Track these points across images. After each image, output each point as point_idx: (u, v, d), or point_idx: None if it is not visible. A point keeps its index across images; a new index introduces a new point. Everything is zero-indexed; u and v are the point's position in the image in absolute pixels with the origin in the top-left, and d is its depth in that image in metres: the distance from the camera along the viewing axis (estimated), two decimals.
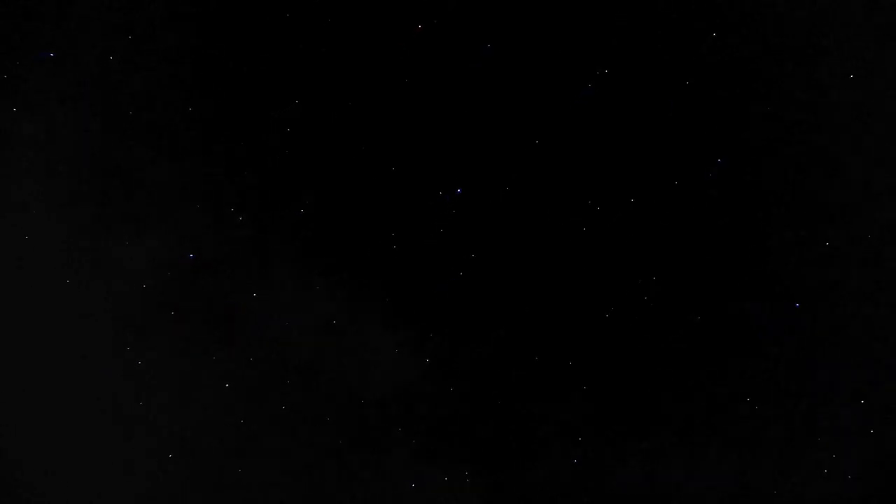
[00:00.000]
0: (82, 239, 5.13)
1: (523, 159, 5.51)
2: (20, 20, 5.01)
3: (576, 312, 5.58)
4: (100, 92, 5.18)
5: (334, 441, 5.35)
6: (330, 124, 5.39)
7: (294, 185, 5.38)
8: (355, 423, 5.39)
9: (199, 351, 5.27)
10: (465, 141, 5.48)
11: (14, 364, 5.02)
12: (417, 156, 5.48)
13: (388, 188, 5.45)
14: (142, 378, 5.20)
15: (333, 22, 5.25)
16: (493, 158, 5.48)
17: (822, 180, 5.19)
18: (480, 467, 5.47)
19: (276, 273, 5.37)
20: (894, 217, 5.13)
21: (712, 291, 5.42)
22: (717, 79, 5.20)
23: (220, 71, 5.29)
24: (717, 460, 5.34)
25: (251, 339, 5.33)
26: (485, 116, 5.46)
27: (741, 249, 5.36)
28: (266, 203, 5.35)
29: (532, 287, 5.57)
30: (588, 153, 5.45)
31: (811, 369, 5.28)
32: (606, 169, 5.46)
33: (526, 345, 5.57)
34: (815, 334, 5.29)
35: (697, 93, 5.23)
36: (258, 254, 5.35)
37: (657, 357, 5.50)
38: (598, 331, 5.55)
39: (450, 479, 5.43)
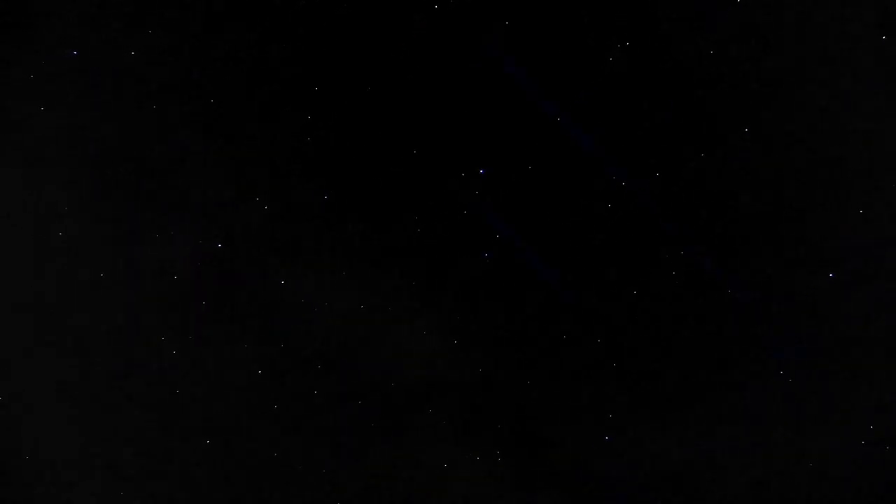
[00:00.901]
0: (112, 234, 5.22)
1: (546, 135, 5.48)
2: (42, 18, 5.09)
3: (604, 290, 5.56)
4: (122, 86, 5.25)
5: (366, 425, 5.40)
6: (350, 109, 5.41)
7: (317, 172, 5.42)
8: (386, 407, 5.44)
9: (231, 340, 5.35)
10: (486, 120, 5.47)
11: (50, 361, 5.15)
12: (439, 137, 5.48)
13: (410, 171, 5.46)
14: (176, 368, 5.29)
15: (353, 3, 5.26)
16: (516, 136, 5.46)
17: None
18: (511, 447, 5.49)
19: (303, 260, 5.43)
20: None
21: (742, 266, 5.37)
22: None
23: (241, 61, 5.33)
24: (750, 436, 5.31)
25: (281, 326, 5.39)
26: (505, 94, 5.45)
27: (771, 224, 5.29)
28: (290, 191, 5.40)
29: (559, 265, 5.56)
30: (614, 126, 5.41)
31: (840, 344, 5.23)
32: (632, 143, 5.42)
33: (555, 323, 5.57)
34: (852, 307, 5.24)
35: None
36: (285, 242, 5.40)
37: (688, 333, 5.46)
38: (627, 308, 5.52)
39: (481, 459, 5.46)
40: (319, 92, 5.37)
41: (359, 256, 5.48)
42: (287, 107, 5.37)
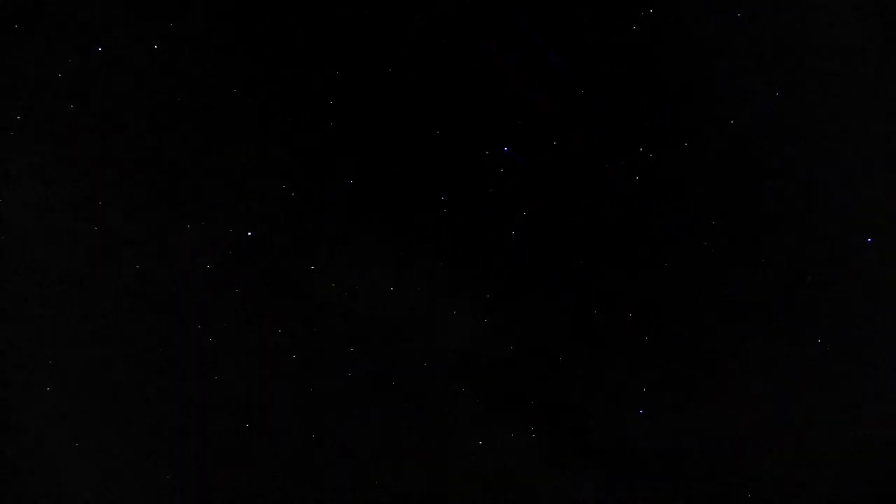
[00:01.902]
0: (145, 227, 5.33)
1: (570, 109, 5.45)
2: (66, 16, 5.17)
3: (634, 263, 5.53)
4: (150, 79, 5.32)
5: (400, 406, 5.47)
6: (374, 92, 5.42)
7: (342, 155, 5.45)
8: (419, 388, 5.49)
9: (266, 325, 5.44)
10: (508, 96, 5.45)
11: (89, 351, 5.29)
12: (462, 116, 5.47)
13: (435, 152, 5.46)
14: (213, 355, 5.40)
15: None
16: (538, 111, 5.43)
17: None
18: (545, 424, 5.52)
19: (332, 244, 5.48)
20: None
21: (779, 234, 5.32)
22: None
23: (264, 51, 5.36)
24: (784, 407, 5.27)
25: (313, 310, 5.46)
26: (528, 69, 5.42)
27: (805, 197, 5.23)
28: (316, 175, 5.44)
29: (588, 240, 5.54)
30: (640, 96, 5.36)
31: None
32: (658, 112, 5.37)
33: (585, 298, 5.56)
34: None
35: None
36: (313, 226, 5.46)
37: (721, 305, 5.42)
38: (658, 281, 5.49)
39: (516, 436, 5.50)
40: (342, 77, 5.39)
41: (387, 239, 5.52)
42: (311, 94, 5.40)
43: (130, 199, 5.32)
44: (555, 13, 5.30)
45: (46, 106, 5.21)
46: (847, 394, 5.24)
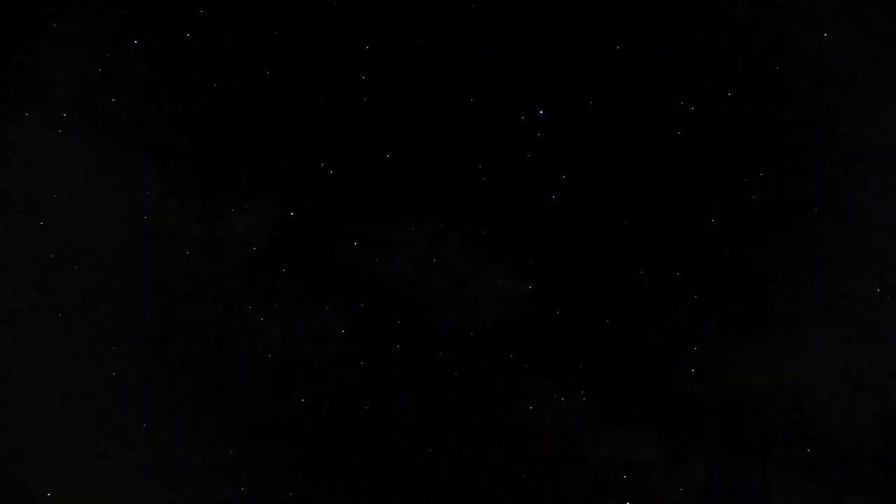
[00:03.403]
0: (194, 212, 5.47)
1: (606, 70, 5.39)
2: (100, 11, 5.31)
3: (678, 223, 5.48)
4: (187, 66, 5.43)
5: (450, 374, 5.55)
6: (407, 62, 5.44)
7: (377, 131, 5.50)
8: (468, 356, 5.56)
9: (314, 302, 5.56)
10: (541, 62, 5.41)
11: (145, 332, 5.47)
12: (495, 81, 5.46)
13: (469, 119, 5.47)
14: (265, 332, 5.54)
15: None
16: (575, 73, 5.38)
17: None
18: (595, 385, 5.54)
19: (373, 219, 5.55)
20: None
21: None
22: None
23: (298, 31, 5.43)
24: (837, 359, 5.21)
25: (359, 285, 5.55)
26: (563, 34, 5.37)
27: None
28: (353, 153, 5.50)
29: (628, 201, 5.50)
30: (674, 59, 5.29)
31: None
32: (696, 75, 5.28)
33: (629, 260, 5.54)
34: None
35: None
36: (353, 203, 5.53)
37: (766, 259, 5.35)
38: (703, 238, 5.44)
39: (566, 399, 5.54)
40: (371, 51, 5.42)
41: (427, 212, 5.56)
42: (344, 71, 5.45)
43: (175, 188, 5.46)
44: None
45: (89, 101, 5.37)
46: None
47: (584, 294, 5.55)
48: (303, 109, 5.46)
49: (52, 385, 5.38)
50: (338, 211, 5.57)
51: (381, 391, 5.55)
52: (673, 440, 5.47)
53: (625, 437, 5.49)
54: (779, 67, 5.20)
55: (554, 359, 5.57)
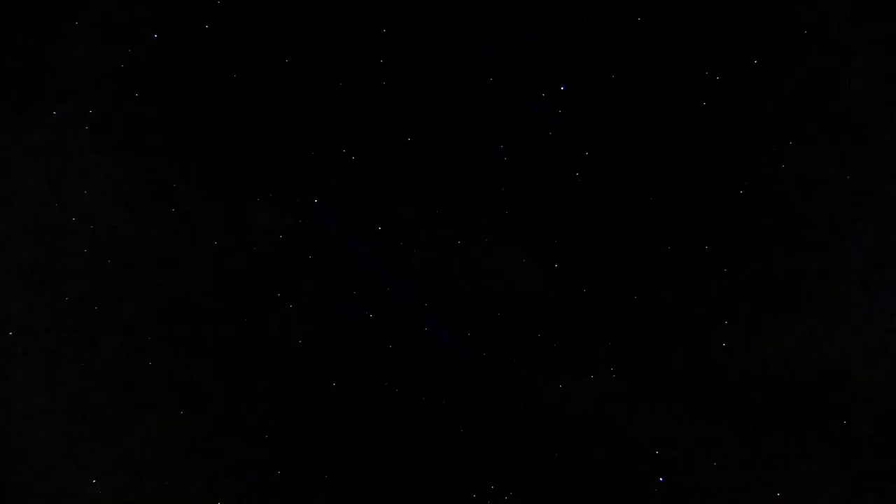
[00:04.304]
0: (217, 205, 5.54)
1: (626, 42, 5.32)
2: (116, 7, 5.38)
3: (705, 196, 5.40)
4: (205, 57, 5.49)
5: (477, 357, 5.56)
6: (425, 43, 5.42)
7: (397, 117, 5.49)
8: (495, 338, 5.56)
9: (344, 291, 5.60)
10: (561, 39, 5.35)
11: (170, 326, 5.57)
12: (513, 60, 5.41)
13: (485, 101, 5.44)
14: (297, 324, 5.60)
15: None
16: (594, 53, 5.31)
17: None
18: (624, 362, 5.51)
19: (397, 204, 5.56)
20: None
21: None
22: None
23: (314, 20, 5.44)
24: (871, 330, 5.10)
25: (387, 272, 5.58)
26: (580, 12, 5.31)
27: None
28: (375, 138, 5.51)
29: (654, 174, 5.44)
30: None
31: None
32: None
33: (657, 235, 5.48)
34: None
35: None
36: (376, 189, 5.55)
37: (801, 228, 5.25)
38: (734, 209, 5.36)
39: (595, 377, 5.52)
40: (389, 34, 5.40)
41: (449, 193, 5.56)
42: (361, 55, 5.46)
43: (200, 181, 5.53)
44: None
45: (112, 97, 5.45)
46: None
47: (612, 270, 5.50)
48: (322, 97, 5.49)
49: (76, 385, 5.50)
50: (360, 198, 5.59)
51: (410, 375, 5.58)
52: (706, 415, 5.42)
53: (656, 413, 5.46)
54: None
55: (581, 338, 5.54)
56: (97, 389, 5.44)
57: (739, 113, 5.32)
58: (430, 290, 5.58)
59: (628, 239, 5.50)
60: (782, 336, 5.25)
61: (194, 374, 5.49)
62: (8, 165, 5.38)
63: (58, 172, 5.38)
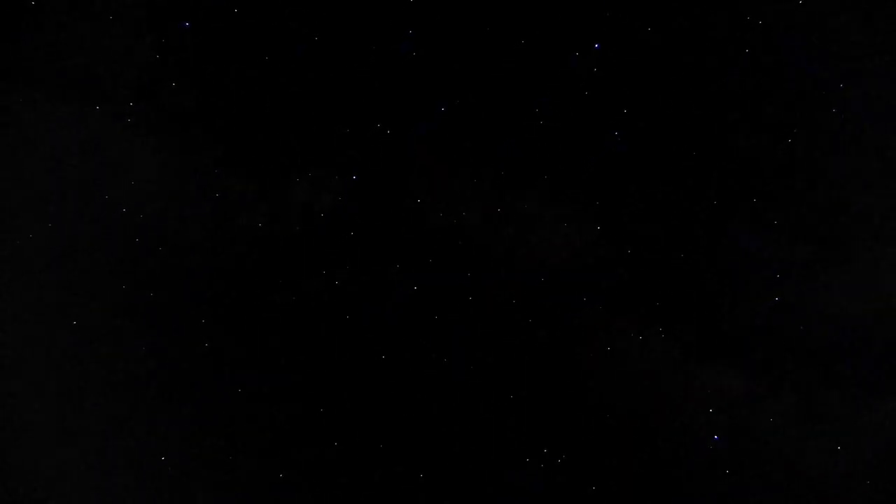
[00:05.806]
0: (260, 185, 5.62)
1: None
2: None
3: (758, 148, 5.26)
4: (239, 44, 5.53)
5: (524, 319, 5.56)
6: (458, 18, 5.35)
7: (429, 84, 5.45)
8: (541, 301, 5.54)
9: (383, 262, 5.64)
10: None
11: (205, 310, 5.71)
12: (545, 24, 5.31)
13: (519, 63, 5.35)
14: (341, 294, 5.68)
15: None
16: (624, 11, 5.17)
17: None
18: (673, 322, 5.44)
19: (434, 172, 5.55)
20: None
21: None
22: None
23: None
24: None
25: (428, 243, 5.59)
26: None
27: None
28: (404, 108, 5.49)
29: (698, 134, 5.31)
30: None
31: None
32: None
33: (704, 191, 5.37)
34: None
35: None
36: (410, 159, 5.54)
37: (855, 183, 5.09)
38: (786, 164, 5.23)
39: (644, 338, 5.47)
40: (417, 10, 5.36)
41: (489, 161, 5.52)
42: (395, 25, 5.43)
43: (241, 162, 5.61)
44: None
45: (150, 89, 5.55)
46: None
47: (655, 231, 5.41)
48: (354, 72, 5.48)
49: (138, 357, 5.68)
50: (394, 169, 5.60)
51: (458, 343, 5.62)
52: (760, 372, 5.34)
53: (707, 371, 5.40)
54: None
55: (629, 298, 5.49)
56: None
57: (783, 62, 5.12)
58: (473, 259, 5.58)
59: (674, 196, 5.39)
60: (834, 293, 5.10)
61: (245, 346, 5.64)
62: (49, 161, 5.54)
63: (100, 165, 5.53)
